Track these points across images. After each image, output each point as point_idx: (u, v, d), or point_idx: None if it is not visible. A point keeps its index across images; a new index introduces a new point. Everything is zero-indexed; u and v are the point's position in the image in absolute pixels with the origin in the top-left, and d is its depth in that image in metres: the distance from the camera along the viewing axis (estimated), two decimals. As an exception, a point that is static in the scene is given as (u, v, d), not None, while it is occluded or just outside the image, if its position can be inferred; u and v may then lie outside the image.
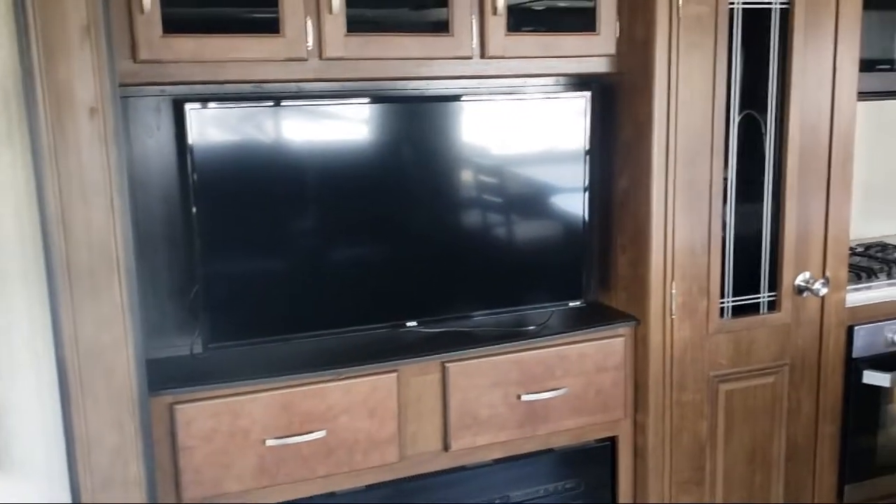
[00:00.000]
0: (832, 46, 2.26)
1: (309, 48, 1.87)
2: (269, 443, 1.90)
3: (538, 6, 2.21)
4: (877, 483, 2.62)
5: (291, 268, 2.03)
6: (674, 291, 2.21)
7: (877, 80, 2.65)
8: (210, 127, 1.88)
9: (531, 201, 2.27)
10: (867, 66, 2.57)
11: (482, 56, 2.04)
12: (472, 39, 2.02)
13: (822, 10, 2.23)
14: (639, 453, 2.30)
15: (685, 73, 2.12)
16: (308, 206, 2.04)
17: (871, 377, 2.48)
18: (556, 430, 2.19)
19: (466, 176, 2.19)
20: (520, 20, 2.09)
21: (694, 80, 2.13)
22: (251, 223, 1.96)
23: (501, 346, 2.10)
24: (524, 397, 2.12)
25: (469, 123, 2.16)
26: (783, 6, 2.20)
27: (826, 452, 2.48)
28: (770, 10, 2.21)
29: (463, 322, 2.17)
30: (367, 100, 2.05)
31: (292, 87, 2.05)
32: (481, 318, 2.19)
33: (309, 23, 1.86)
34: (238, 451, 1.88)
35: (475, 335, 2.14)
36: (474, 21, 2.01)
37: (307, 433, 1.93)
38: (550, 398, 2.15)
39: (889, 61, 2.67)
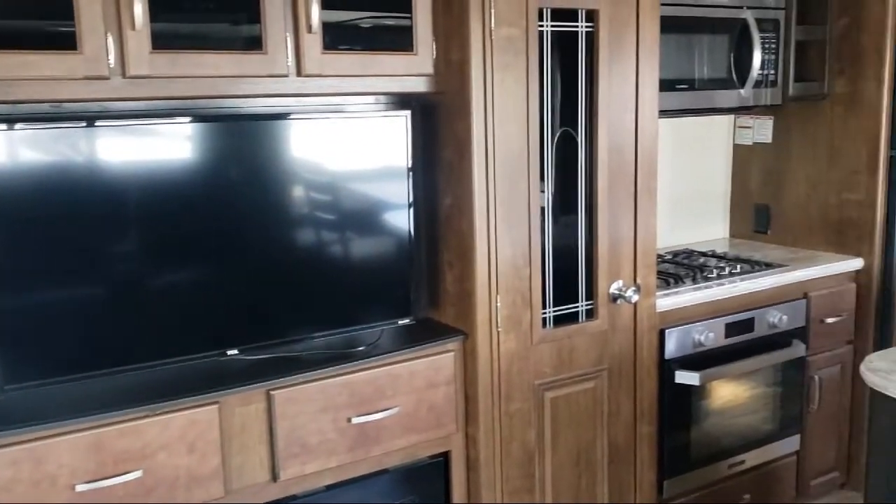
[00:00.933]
0: (634, 68, 2.40)
1: (111, 66, 1.77)
2: (80, 488, 1.77)
3: (356, 24, 2.20)
4: (693, 476, 2.80)
5: (103, 297, 1.90)
6: (499, 305, 2.27)
7: (677, 99, 2.85)
8: (15, 149, 1.74)
9: (357, 220, 2.26)
10: (668, 86, 2.76)
11: (298, 74, 2.01)
12: (287, 57, 1.98)
13: (624, 34, 2.37)
14: (471, 466, 2.33)
15: (500, 93, 2.18)
16: (122, 232, 1.93)
17: (683, 377, 2.65)
18: (389, 450, 2.18)
19: (290, 195, 2.15)
20: (337, 38, 2.08)
21: (509, 101, 2.20)
22: (57, 252, 1.83)
23: (329, 369, 2.07)
24: (355, 420, 2.10)
25: (292, 142, 2.12)
26: (588, 29, 2.32)
27: (645, 451, 2.62)
28: (577, 32, 2.32)
29: (290, 347, 2.12)
30: (186, 119, 1.98)
31: (94, 106, 1.93)
32: (309, 342, 2.15)
33: (110, 38, 1.76)
34: (44, 500, 1.73)
35: (302, 360, 2.09)
36: (289, 38, 1.98)
37: (122, 474, 1.81)
38: (382, 418, 2.14)
39: (688, 81, 2.88)
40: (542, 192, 2.32)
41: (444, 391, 2.25)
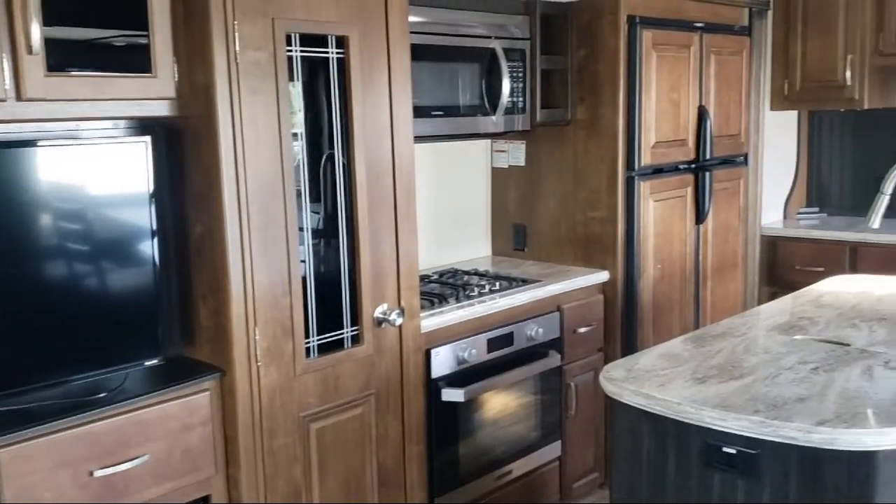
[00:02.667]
0: (388, 94, 2.43)
1: None
2: None
3: (89, 43, 2.04)
4: (463, 491, 2.86)
5: None
6: (258, 337, 2.19)
7: (434, 125, 2.93)
8: None
9: (98, 252, 2.09)
10: (424, 112, 2.83)
11: (19, 99, 1.83)
12: (4, 81, 1.80)
13: (376, 61, 2.39)
14: (235, 508, 2.23)
15: (250, 117, 2.12)
16: None
17: (449, 394, 2.71)
18: (141, 501, 2.02)
19: (24, 227, 1.94)
20: (65, 59, 1.91)
21: (260, 125, 2.14)
22: None
23: (64, 420, 1.88)
24: (98, 473, 1.93)
25: (21, 170, 1.92)
26: (339, 55, 2.32)
27: (415, 471, 2.64)
28: (328, 58, 2.31)
29: (19, 398, 1.90)
30: None
31: None
32: (44, 391, 1.94)
33: None
34: None
35: (33, 412, 1.89)
36: (5, 60, 1.79)
37: None
38: (130, 469, 1.98)
39: (444, 108, 2.96)
40: (316, 213, 2.28)
41: (201, 433, 2.13)
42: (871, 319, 2.40)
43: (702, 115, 3.59)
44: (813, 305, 2.60)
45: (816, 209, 4.45)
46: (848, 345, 2.17)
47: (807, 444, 1.63)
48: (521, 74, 3.16)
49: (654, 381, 1.93)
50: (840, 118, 4.40)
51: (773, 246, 4.19)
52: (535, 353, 3.05)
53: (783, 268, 4.16)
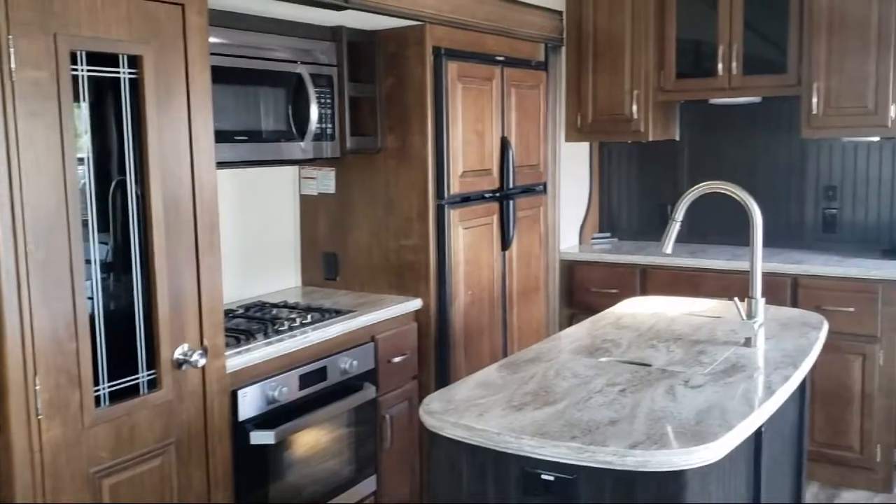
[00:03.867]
0: (187, 118, 2.27)
1: None
2: None
3: None
4: (275, 536, 2.70)
5: None
6: (38, 388, 1.95)
7: (238, 151, 2.79)
8: None
9: None
10: (227, 137, 2.69)
11: None
12: None
13: (174, 82, 2.23)
14: (12, 584, 1.95)
15: (27, 143, 1.89)
16: None
17: (258, 437, 2.56)
18: None
19: None
20: None
21: (39, 149, 1.92)
22: None
23: None
24: None
25: None
26: (132, 76, 2.14)
27: (223, 522, 2.46)
28: (119, 79, 2.12)
29: None
30: None
31: None
32: None
33: None
34: None
35: None
36: None
37: None
38: None
39: (249, 133, 2.83)
40: (105, 244, 2.07)
41: (-31, 501, 1.85)
42: (668, 339, 2.54)
43: (504, 145, 3.69)
44: (613, 327, 2.72)
45: (608, 234, 4.72)
46: (650, 365, 2.28)
47: (622, 468, 1.67)
48: (329, 101, 3.10)
49: (472, 412, 1.91)
50: (627, 149, 4.71)
51: (570, 270, 4.39)
52: (349, 386, 2.96)
53: (580, 291, 4.36)
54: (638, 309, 3.00)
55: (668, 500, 1.69)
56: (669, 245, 2.55)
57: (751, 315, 2.42)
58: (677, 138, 4.53)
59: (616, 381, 2.12)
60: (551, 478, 1.79)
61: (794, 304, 3.74)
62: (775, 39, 3.95)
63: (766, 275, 3.85)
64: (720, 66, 4.01)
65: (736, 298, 2.47)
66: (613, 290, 4.21)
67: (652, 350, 2.43)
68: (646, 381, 2.12)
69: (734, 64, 3.98)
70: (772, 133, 4.31)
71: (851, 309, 3.63)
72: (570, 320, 4.38)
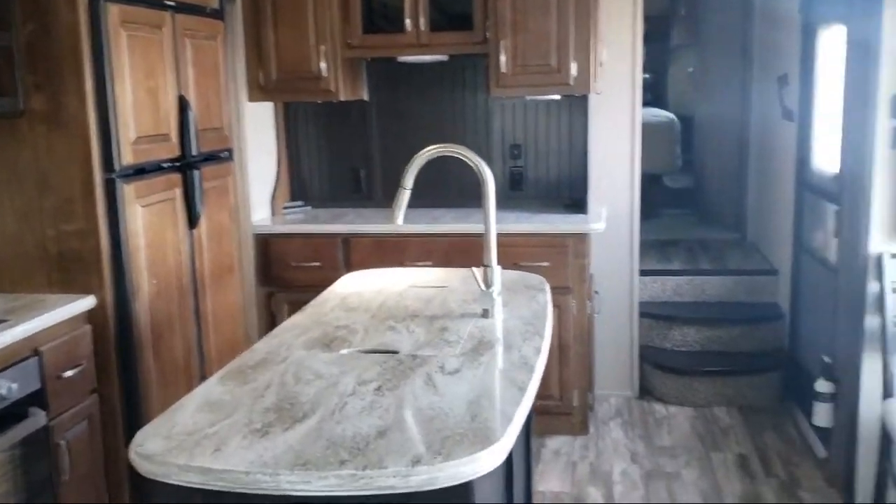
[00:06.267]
0: None
1: None
2: None
3: None
4: None
5: None
6: None
7: None
8: None
9: None
10: None
11: None
12: None
13: None
14: None
15: None
16: None
17: None
18: None
19: None
20: None
21: None
22: None
23: None
24: None
25: None
26: None
27: None
28: None
29: None
30: None
31: None
32: None
33: None
34: None
35: None
36: None
37: None
38: None
39: None
40: None
41: None
42: (405, 318, 2.31)
43: (183, 105, 3.17)
44: (342, 310, 2.43)
45: (301, 203, 4.39)
46: (397, 352, 2.02)
47: (406, 490, 1.40)
48: (-54, 49, 2.35)
49: (205, 447, 1.50)
50: (314, 110, 4.39)
51: (265, 244, 4.00)
52: (11, 415, 2.32)
53: (278, 266, 3.99)
54: (360, 286, 2.73)
55: (458, 516, 1.46)
56: (401, 215, 2.31)
57: (488, 284, 2.28)
58: (366, 98, 4.31)
59: (367, 378, 1.83)
60: (316, 512, 1.46)
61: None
62: (462, -5, 3.87)
63: (464, 236, 3.86)
64: (408, 21, 3.84)
65: (474, 268, 2.31)
66: (315, 264, 3.91)
67: (393, 333, 2.18)
68: (399, 373, 1.86)
69: (422, 20, 3.84)
70: (459, 92, 4.28)
71: (546, 263, 3.72)
72: (269, 299, 4.00)
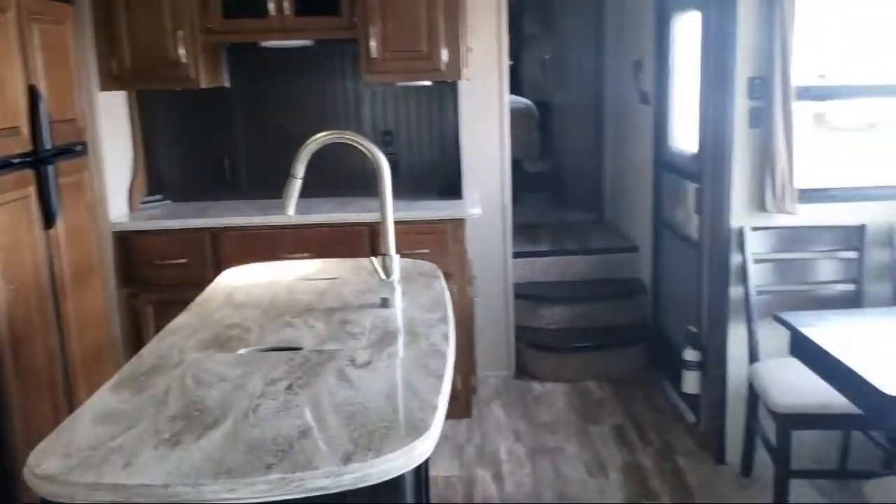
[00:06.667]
0: None
1: None
2: None
3: None
4: None
5: None
6: None
7: None
8: None
9: None
10: None
11: None
12: None
13: None
14: None
15: None
16: None
17: None
18: None
19: None
20: None
21: None
22: None
23: None
24: None
25: None
26: None
27: None
28: None
29: None
30: None
31: None
32: None
33: None
34: None
35: None
36: None
37: None
38: None
39: None
40: None
41: None
42: (301, 313, 2.23)
43: (33, 96, 2.91)
44: (230, 308, 2.31)
45: (160, 197, 4.15)
46: (300, 348, 1.94)
47: (338, 489, 1.34)
48: None
49: (113, 462, 1.38)
50: (170, 99, 4.15)
51: (126, 242, 3.75)
52: None
53: (141, 265, 3.75)
54: (244, 282, 2.61)
55: (391, 511, 1.42)
56: (292, 206, 2.22)
57: (388, 273, 2.24)
58: (228, 85, 4.13)
59: (275, 377, 1.75)
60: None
61: (375, 253, 3.70)
62: (326, -21, 3.77)
63: (343, 225, 3.79)
64: (271, 5, 3.70)
65: (373, 258, 2.26)
66: (181, 260, 3.71)
67: (292, 329, 2.10)
68: (308, 370, 1.79)
69: (286, 4, 3.71)
70: (327, 78, 4.18)
71: (426, 250, 3.70)
72: (131, 300, 3.76)
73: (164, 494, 1.30)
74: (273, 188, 4.14)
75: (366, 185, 4.21)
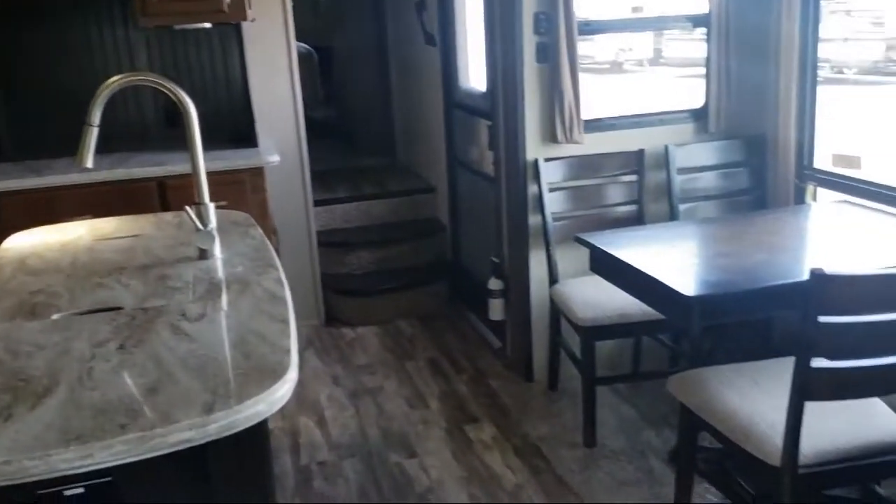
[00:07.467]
0: None
1: None
2: None
3: None
4: None
5: None
6: None
7: None
8: None
9: None
10: None
11: None
12: None
13: None
14: None
15: None
16: None
17: None
18: None
19: None
20: None
21: None
22: None
23: None
24: None
25: None
26: None
27: None
28: None
29: None
30: None
31: None
32: None
33: None
34: None
35: None
36: None
37: None
38: None
39: None
40: None
41: None
42: (111, 273, 2.07)
43: None
44: (27, 275, 2.09)
45: None
46: (121, 307, 1.81)
47: (203, 440, 1.28)
48: None
49: (-66, 449, 1.22)
50: None
51: None
52: None
53: None
54: (33, 248, 2.37)
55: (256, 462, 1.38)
56: (89, 158, 2.03)
57: (205, 222, 2.13)
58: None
59: (101, 339, 1.62)
60: (81, 490, 1.30)
61: (166, 209, 3.50)
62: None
63: (129, 182, 3.53)
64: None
65: (188, 207, 2.13)
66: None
67: (105, 290, 1.95)
68: (137, 328, 1.67)
69: (41, -60, 3.34)
70: (94, 26, 3.83)
71: (224, 202, 3.53)
72: None
73: (9, 472, 1.18)
74: (41, 148, 3.79)
75: (143, 138, 3.95)
